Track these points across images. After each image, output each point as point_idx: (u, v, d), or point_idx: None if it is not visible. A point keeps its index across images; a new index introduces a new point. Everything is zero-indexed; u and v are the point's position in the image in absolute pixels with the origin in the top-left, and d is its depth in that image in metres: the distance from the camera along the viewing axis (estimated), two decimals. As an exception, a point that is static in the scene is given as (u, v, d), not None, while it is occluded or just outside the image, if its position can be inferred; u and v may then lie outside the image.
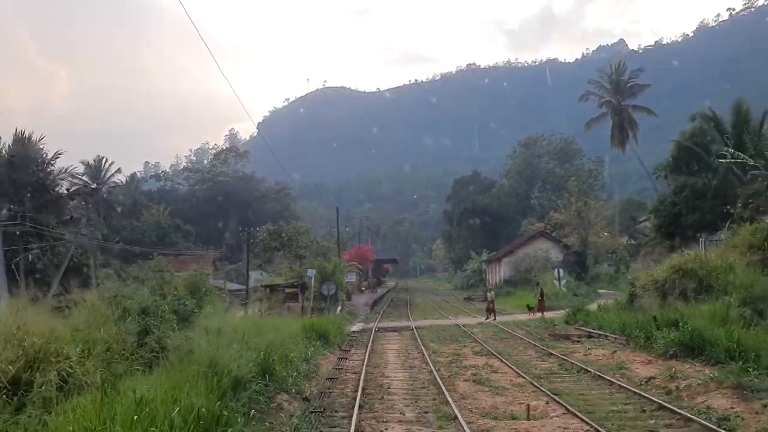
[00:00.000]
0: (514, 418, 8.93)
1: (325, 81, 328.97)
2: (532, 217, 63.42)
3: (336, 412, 9.56)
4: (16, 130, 33.53)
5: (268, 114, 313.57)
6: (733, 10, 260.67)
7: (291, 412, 9.25)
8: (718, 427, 7.95)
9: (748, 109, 31.79)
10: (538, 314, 25.97)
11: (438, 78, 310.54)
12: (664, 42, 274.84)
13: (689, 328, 13.51)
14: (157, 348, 10.35)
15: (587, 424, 8.38)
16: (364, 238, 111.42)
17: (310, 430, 8.35)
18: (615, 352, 15.23)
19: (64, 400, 6.95)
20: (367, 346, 17.54)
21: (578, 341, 18.05)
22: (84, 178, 54.66)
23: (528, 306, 28.55)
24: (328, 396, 10.82)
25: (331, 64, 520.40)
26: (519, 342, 18.37)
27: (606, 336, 18.04)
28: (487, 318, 26.44)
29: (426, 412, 9.48)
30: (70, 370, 7.66)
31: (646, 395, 10.11)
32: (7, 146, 32.48)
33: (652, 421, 8.68)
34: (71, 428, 5.81)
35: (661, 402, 9.54)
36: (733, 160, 22.60)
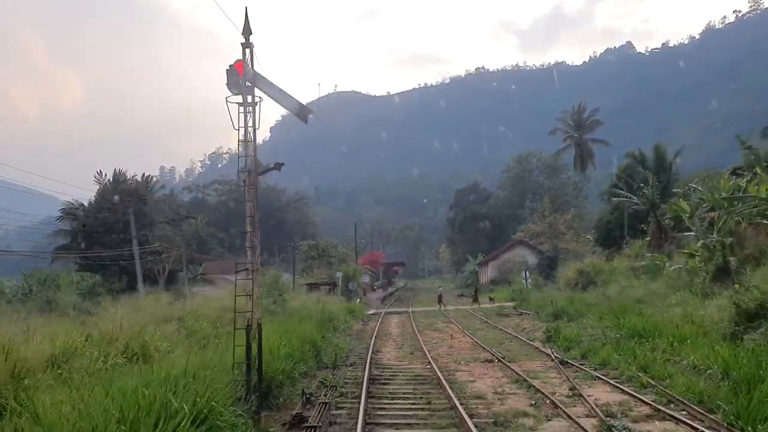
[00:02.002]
0: (444, 340, 20.42)
1: (335, 85, 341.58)
2: (526, 224, 74.47)
3: (364, 339, 21.12)
4: (115, 170, 45.57)
5: (280, 118, 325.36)
6: (739, 11, 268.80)
7: (343, 339, 20.80)
8: (528, 339, 19.39)
9: (665, 150, 42.94)
10: (476, 304, 38.45)
11: (447, 81, 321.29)
12: (671, 44, 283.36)
13: (558, 306, 24.93)
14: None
15: (473, 339, 19.83)
16: (375, 242, 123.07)
17: (356, 345, 19.89)
18: (523, 320, 26.68)
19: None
20: (378, 320, 29.07)
21: (510, 317, 29.44)
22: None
23: (483, 298, 40.69)
24: (359, 335, 22.42)
25: (342, 68, 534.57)
26: (474, 318, 29.83)
27: (529, 313, 29.39)
28: (438, 307, 38.17)
29: (406, 339, 21.01)
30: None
31: (513, 334, 21.52)
32: (107, 179, 44.61)
33: (506, 340, 20.10)
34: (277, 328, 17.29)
35: (515, 335, 20.97)
36: (623, 198, 33.80)
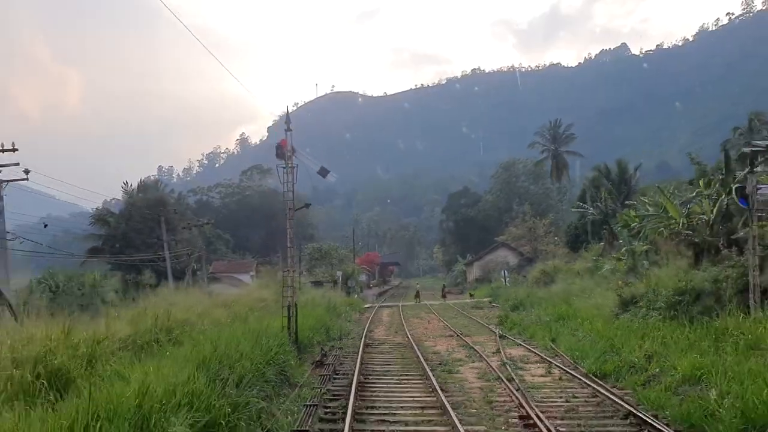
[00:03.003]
0: (422, 325, 26.65)
1: (333, 86, 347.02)
2: (509, 228, 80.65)
3: (361, 323, 27.36)
4: (140, 179, 51.62)
5: (277, 119, 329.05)
6: (733, 14, 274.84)
7: (345, 323, 26.99)
8: (486, 323, 25.64)
9: (627, 164, 49.20)
10: (444, 299, 44.78)
11: (444, 82, 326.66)
12: (665, 46, 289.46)
13: (518, 299, 31.21)
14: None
15: (445, 324, 26.07)
16: (372, 243, 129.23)
17: (355, 327, 26.09)
18: (492, 311, 32.93)
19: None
20: (373, 312, 35.28)
21: (483, 309, 35.67)
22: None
23: (465, 295, 47.06)
24: (358, 321, 28.66)
25: (340, 68, 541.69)
26: (451, 310, 36.05)
27: (498, 306, 35.62)
28: (416, 301, 44.32)
29: (393, 324, 27.25)
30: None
31: (478, 320, 27.74)
32: (130, 186, 50.60)
33: (470, 324, 26.32)
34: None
35: (479, 321, 27.21)
36: (579, 210, 40.05)
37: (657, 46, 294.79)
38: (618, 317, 19.02)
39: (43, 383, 7.74)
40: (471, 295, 46.34)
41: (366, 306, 41.08)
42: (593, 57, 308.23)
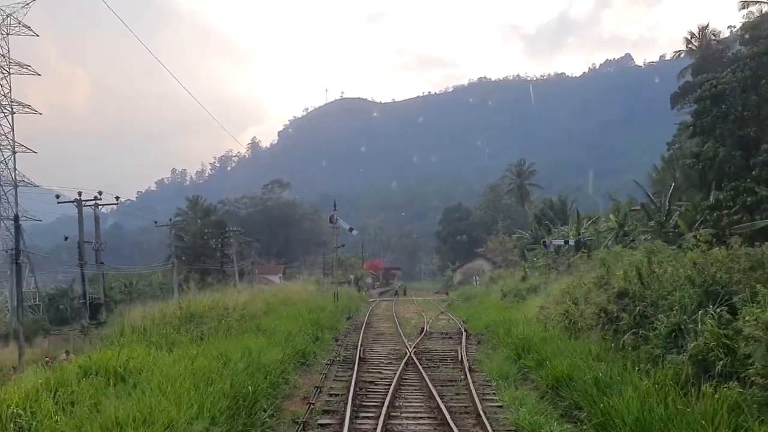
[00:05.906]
0: (405, 309, 46.68)
1: (342, 92, 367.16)
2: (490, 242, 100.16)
3: (369, 308, 47.45)
4: (192, 196, 71.90)
5: (288, 123, 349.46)
6: (734, 27, 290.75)
7: (359, 306, 47.02)
8: (441, 309, 45.66)
9: (566, 198, 68.82)
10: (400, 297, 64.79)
11: (451, 90, 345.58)
12: (667, 57, 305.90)
13: (469, 295, 51.12)
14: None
15: (417, 308, 46.08)
16: (377, 249, 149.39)
17: (364, 309, 46.13)
18: (454, 303, 52.85)
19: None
20: (375, 303, 55.18)
21: (449, 302, 55.47)
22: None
23: (442, 294, 66.86)
24: (366, 306, 48.82)
25: (349, 72, 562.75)
26: (428, 302, 55.87)
27: (458, 300, 55.42)
28: (396, 298, 64.14)
29: (387, 308, 47.34)
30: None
31: (439, 308, 47.65)
32: (199, 211, 70.89)
33: (432, 308, 46.30)
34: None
35: (439, 308, 47.17)
36: (519, 235, 59.81)
37: (660, 57, 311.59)
38: (499, 302, 38.92)
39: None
40: (447, 294, 66.28)
41: (371, 300, 61.12)
42: (597, 67, 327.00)
